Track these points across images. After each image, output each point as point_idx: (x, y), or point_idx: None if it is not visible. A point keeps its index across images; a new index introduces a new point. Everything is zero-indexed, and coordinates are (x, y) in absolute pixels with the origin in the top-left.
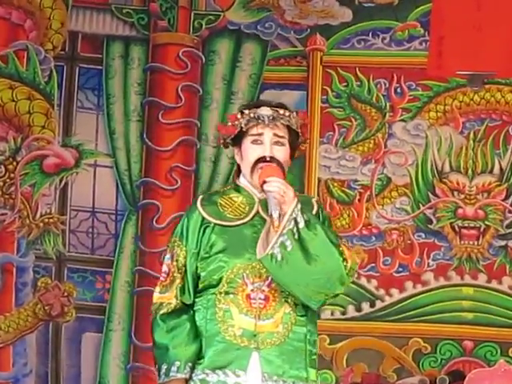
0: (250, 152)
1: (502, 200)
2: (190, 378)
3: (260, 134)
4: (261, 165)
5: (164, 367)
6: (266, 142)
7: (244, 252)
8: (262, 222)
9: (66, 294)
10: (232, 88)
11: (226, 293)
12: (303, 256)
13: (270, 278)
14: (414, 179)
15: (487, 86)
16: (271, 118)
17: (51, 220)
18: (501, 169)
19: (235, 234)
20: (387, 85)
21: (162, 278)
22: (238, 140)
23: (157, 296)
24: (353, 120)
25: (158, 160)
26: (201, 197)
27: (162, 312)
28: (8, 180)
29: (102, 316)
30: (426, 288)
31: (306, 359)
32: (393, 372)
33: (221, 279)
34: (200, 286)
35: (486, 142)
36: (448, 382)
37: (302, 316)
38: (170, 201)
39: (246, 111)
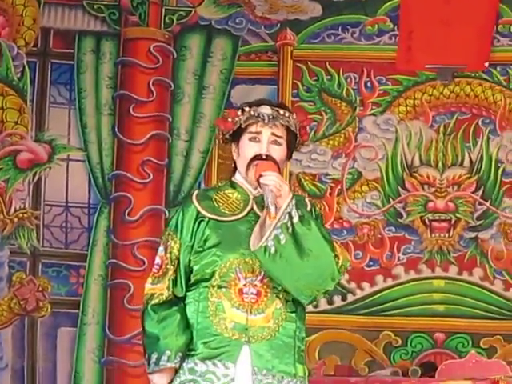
0: (247, 149)
1: (472, 192)
2: (180, 367)
3: (258, 132)
4: (256, 162)
5: (154, 356)
6: (264, 141)
7: (238, 247)
8: (256, 219)
9: (40, 288)
10: (203, 83)
11: (219, 286)
12: (296, 250)
13: (262, 274)
14: (384, 173)
15: (457, 80)
16: (271, 117)
17: (25, 215)
18: (471, 161)
19: (229, 229)
20: (357, 79)
21: (154, 270)
22: (236, 136)
23: (149, 287)
24: (323, 114)
25: (130, 153)
26: (196, 192)
27: (153, 302)
28: None
29: (76, 310)
30: (396, 282)
31: (294, 355)
32: (364, 365)
33: (214, 273)
34: (192, 279)
35: (456, 135)
36: (420, 373)
37: (292, 312)
38: (142, 194)
39: (247, 108)
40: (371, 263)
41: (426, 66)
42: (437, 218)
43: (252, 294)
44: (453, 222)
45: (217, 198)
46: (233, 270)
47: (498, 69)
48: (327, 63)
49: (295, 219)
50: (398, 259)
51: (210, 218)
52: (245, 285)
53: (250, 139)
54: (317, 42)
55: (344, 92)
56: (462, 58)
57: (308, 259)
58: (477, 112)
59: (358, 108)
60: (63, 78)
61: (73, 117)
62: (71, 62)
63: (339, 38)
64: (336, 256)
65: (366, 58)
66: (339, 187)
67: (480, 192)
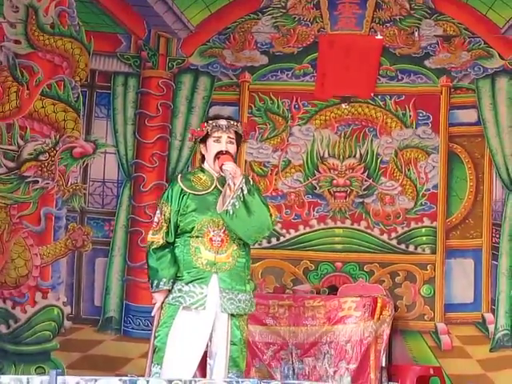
0: (213, 148)
1: (361, 174)
2: (172, 288)
3: (219, 137)
4: (220, 156)
5: (155, 282)
6: (223, 142)
7: (207, 211)
8: (219, 192)
9: (86, 233)
10: (192, 105)
11: (197, 236)
12: (246, 212)
13: (224, 228)
14: (305, 162)
15: (352, 104)
16: (227, 126)
17: (77, 187)
18: (360, 155)
19: (202, 199)
20: (289, 103)
21: (153, 225)
22: (203, 139)
23: (150, 237)
24: (267, 124)
25: (145, 149)
26: (180, 175)
27: (153, 247)
28: (51, 162)
29: (107, 247)
30: (312, 229)
31: (244, 279)
32: (290, 281)
33: (193, 228)
34: (179, 231)
35: (352, 138)
36: (327, 292)
37: (243, 251)
38: (151, 174)
39: (210, 121)
40: (296, 217)
41: (334, 95)
42: (338, 190)
43: (218, 241)
44: (348, 192)
45: (193, 179)
46: (205, 225)
47: (379, 97)
48: (271, 93)
49: (245, 191)
50: (313, 215)
51: (189, 193)
52: (213, 235)
53: (214, 141)
54: (264, 80)
55: (281, 111)
56: (356, 90)
57: (253, 217)
58: (365, 124)
59: (289, 121)
60: (103, 101)
61: (109, 126)
62: (109, 92)
63: (278, 78)
64: (270, 214)
65: (295, 90)
66: (276, 170)
67: (366, 173)
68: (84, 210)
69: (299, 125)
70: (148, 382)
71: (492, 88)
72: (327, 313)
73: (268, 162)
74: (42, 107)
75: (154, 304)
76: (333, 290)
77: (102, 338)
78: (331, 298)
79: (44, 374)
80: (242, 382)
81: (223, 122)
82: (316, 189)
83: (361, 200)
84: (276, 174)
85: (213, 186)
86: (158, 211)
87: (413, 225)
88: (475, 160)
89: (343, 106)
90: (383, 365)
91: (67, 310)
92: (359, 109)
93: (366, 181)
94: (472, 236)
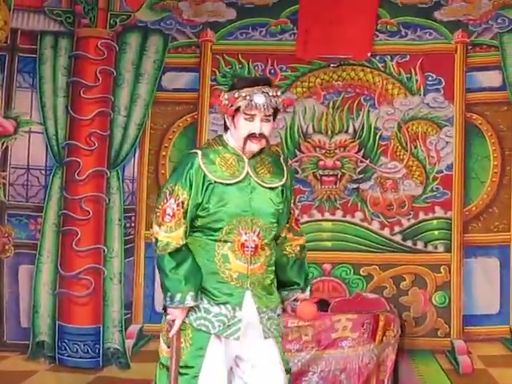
0: (243, 126)
1: (355, 153)
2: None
3: (253, 115)
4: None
5: (178, 296)
6: (257, 120)
7: (238, 208)
8: (251, 181)
9: (6, 234)
10: (140, 71)
11: (225, 241)
12: None
13: (258, 230)
14: (283, 139)
15: (344, 67)
16: (265, 106)
17: None
18: (354, 129)
19: (231, 191)
20: (263, 67)
21: (166, 220)
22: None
23: (162, 235)
24: None
25: (80, 127)
26: (200, 154)
27: (169, 250)
28: None
29: (34, 251)
30: None
31: (274, 288)
32: None
33: (220, 229)
34: (194, 227)
35: (343, 109)
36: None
37: (273, 256)
38: (89, 159)
39: (244, 93)
40: None
41: (319, 56)
42: (326, 173)
43: (251, 247)
44: (339, 176)
45: (217, 161)
46: (236, 227)
47: (378, 58)
48: (239, 55)
49: None
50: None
51: (216, 182)
52: (246, 239)
53: (246, 119)
54: (231, 39)
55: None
56: (348, 49)
57: None
58: (360, 91)
59: None
60: (27, 67)
61: (34, 98)
62: (34, 56)
63: (249, 36)
64: None
65: (271, 51)
66: None
67: (361, 152)
68: (3, 205)
69: None
70: None
71: None
72: (316, 334)
73: None
74: None
75: (173, 321)
76: (323, 306)
77: (33, 367)
78: (321, 316)
79: None
80: None
81: (260, 100)
82: (298, 173)
83: (355, 186)
84: None
85: (244, 173)
86: (171, 200)
87: (422, 216)
88: (500, 133)
89: (331, 67)
90: None
91: None
92: (352, 73)
93: (361, 162)
94: (497, 229)
